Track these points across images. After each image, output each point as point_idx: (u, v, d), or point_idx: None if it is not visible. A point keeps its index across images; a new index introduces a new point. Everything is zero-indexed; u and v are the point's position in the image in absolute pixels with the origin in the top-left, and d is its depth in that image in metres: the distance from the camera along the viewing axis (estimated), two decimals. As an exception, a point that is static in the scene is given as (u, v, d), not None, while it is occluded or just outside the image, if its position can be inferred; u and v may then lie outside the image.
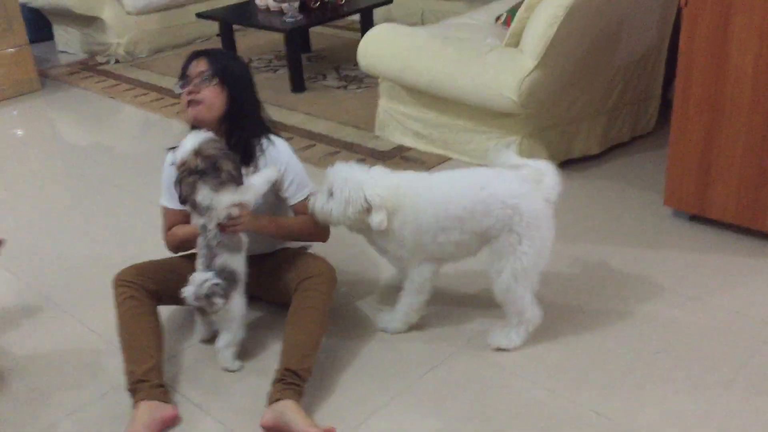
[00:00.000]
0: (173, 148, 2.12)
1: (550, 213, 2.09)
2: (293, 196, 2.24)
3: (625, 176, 3.20)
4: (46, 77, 5.18)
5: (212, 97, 2.13)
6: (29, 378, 2.21)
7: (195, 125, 2.16)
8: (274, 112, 4.10)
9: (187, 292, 1.99)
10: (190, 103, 2.14)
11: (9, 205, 3.41)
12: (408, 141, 3.62)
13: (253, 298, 2.23)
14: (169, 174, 2.21)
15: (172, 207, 2.23)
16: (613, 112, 3.36)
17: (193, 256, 2.16)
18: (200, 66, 2.16)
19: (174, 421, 1.96)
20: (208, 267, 2.04)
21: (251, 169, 2.17)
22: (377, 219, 2.06)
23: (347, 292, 2.49)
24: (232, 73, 2.18)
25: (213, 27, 5.48)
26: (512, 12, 3.64)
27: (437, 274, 2.21)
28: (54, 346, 2.36)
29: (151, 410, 1.92)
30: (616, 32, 3.12)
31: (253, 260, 2.17)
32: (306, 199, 2.22)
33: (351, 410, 1.98)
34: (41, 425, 2.01)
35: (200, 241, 2.07)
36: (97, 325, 2.40)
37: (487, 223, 2.04)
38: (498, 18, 3.81)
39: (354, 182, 2.08)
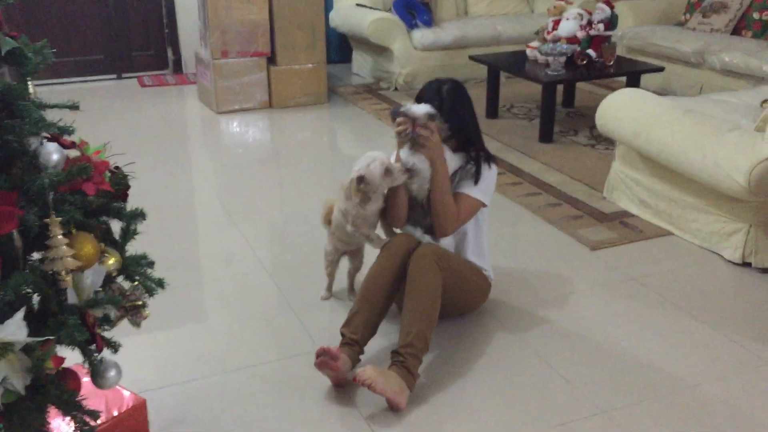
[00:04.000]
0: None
1: None
2: (467, 186, 2.45)
3: None
4: (334, 93, 5.91)
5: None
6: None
7: None
8: (514, 158, 4.36)
9: None
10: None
11: (279, 200, 4.02)
12: (633, 208, 3.55)
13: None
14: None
15: None
16: None
17: None
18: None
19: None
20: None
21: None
22: None
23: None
24: (455, 111, 2.44)
25: (486, 70, 5.81)
26: (779, 96, 3.41)
27: None
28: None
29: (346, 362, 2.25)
30: None
31: None
32: (470, 196, 2.44)
33: None
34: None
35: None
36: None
37: None
38: (765, 101, 3.57)
39: None
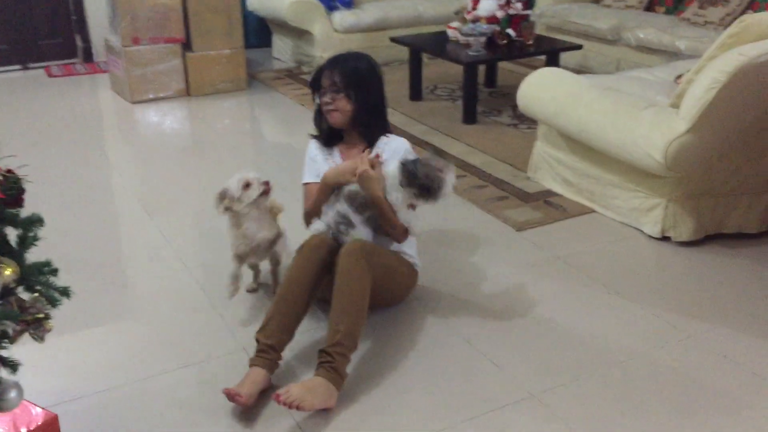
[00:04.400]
0: (315, 136, 2.61)
1: None
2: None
3: (780, 263, 2.93)
4: (255, 79, 5.76)
5: (343, 107, 2.46)
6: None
7: (333, 126, 2.51)
8: (439, 140, 4.32)
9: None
10: (327, 111, 2.48)
11: (198, 192, 3.87)
12: (557, 187, 3.58)
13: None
14: (312, 156, 2.58)
15: (313, 181, 2.53)
16: (782, 192, 3.09)
17: None
18: (333, 77, 2.44)
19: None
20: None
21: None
22: None
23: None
24: (359, 84, 2.45)
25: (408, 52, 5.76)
26: (692, 72, 3.48)
27: None
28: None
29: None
30: (794, 107, 2.88)
31: None
32: None
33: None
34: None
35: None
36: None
37: None
38: (679, 77, 3.64)
39: None
